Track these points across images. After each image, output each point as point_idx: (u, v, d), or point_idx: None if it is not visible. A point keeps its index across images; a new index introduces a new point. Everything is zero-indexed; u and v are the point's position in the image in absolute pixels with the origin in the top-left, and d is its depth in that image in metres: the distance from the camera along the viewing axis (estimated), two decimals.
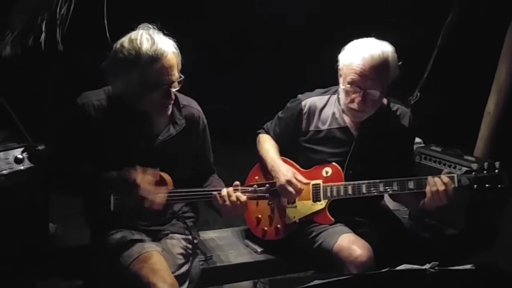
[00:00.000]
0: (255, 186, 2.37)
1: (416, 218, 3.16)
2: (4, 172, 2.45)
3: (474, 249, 3.00)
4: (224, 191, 2.28)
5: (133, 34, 2.15)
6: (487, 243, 3.09)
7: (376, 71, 2.36)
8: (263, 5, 4.91)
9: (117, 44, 2.16)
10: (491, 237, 3.14)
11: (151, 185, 2.17)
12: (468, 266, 1.70)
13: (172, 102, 2.26)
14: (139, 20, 2.21)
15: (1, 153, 2.47)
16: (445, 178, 2.32)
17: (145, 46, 2.10)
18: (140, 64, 2.10)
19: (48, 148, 2.52)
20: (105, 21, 2.74)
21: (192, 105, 2.44)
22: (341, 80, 2.50)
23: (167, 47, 2.14)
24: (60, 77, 4.60)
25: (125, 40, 2.15)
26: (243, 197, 2.27)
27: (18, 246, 2.48)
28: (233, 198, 2.26)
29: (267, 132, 2.77)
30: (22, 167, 2.51)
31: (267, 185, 2.38)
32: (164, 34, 2.19)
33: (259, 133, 2.80)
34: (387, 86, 2.45)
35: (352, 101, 2.44)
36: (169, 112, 2.29)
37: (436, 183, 2.31)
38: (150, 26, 2.19)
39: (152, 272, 2.11)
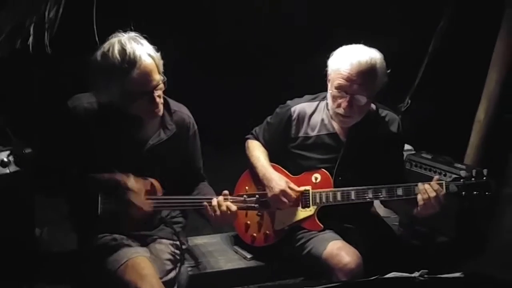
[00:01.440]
0: (244, 196, 2.37)
1: (406, 225, 3.16)
2: None
3: (463, 257, 3.00)
4: (215, 201, 2.26)
5: (105, 46, 2.10)
6: (477, 251, 3.10)
7: (363, 77, 2.36)
8: (256, 8, 4.90)
9: (93, 58, 2.12)
10: (480, 244, 3.14)
11: (140, 192, 2.14)
12: (457, 274, 1.70)
13: (161, 105, 2.24)
14: (129, 24, 2.18)
15: None
16: (435, 184, 2.33)
17: (118, 58, 2.05)
18: (116, 77, 2.07)
19: (36, 151, 2.49)
20: (94, 25, 2.73)
21: (183, 111, 2.44)
22: (329, 85, 2.50)
23: (140, 54, 2.08)
24: (47, 80, 4.57)
25: (98, 54, 2.11)
26: (234, 207, 2.27)
27: (4, 250, 2.45)
28: (223, 208, 2.25)
29: (256, 138, 2.76)
30: (7, 171, 2.48)
31: (256, 196, 2.38)
32: (143, 37, 2.14)
33: (248, 138, 2.79)
34: (376, 93, 2.45)
35: (339, 106, 2.43)
36: (160, 113, 2.27)
37: (426, 190, 2.32)
38: (124, 34, 2.13)
39: (139, 277, 2.09)
